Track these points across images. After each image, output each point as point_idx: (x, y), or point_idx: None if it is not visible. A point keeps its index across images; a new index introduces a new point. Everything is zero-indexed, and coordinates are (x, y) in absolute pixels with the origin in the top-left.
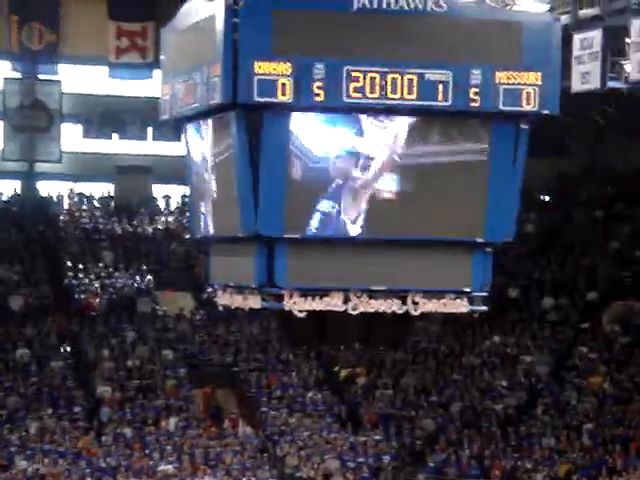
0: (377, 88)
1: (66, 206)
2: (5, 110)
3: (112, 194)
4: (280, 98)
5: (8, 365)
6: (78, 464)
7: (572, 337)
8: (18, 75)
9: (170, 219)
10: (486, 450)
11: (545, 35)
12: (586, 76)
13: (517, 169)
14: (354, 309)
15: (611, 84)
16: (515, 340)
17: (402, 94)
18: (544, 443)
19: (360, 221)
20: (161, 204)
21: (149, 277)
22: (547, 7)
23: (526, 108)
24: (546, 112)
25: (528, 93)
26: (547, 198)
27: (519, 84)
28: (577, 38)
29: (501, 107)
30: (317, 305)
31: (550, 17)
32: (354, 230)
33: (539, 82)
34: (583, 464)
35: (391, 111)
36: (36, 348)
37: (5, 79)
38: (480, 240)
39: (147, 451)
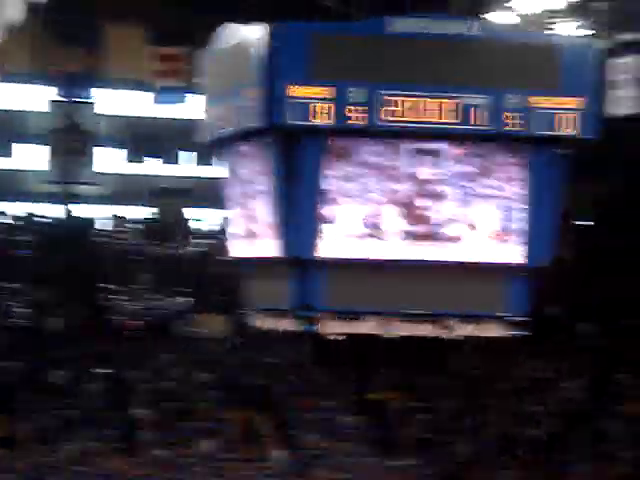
0: (412, 112)
1: (104, 228)
2: (48, 133)
3: (150, 216)
4: (315, 121)
5: (44, 387)
6: None
7: (610, 363)
8: (60, 98)
9: (207, 241)
10: (522, 476)
11: (583, 60)
12: (622, 101)
13: (555, 194)
14: (388, 333)
15: None
16: (552, 365)
17: (437, 118)
18: (579, 470)
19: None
20: (199, 226)
21: (185, 299)
22: (585, 32)
23: (564, 133)
24: (584, 137)
25: (566, 118)
26: (585, 222)
27: (557, 109)
28: (614, 63)
29: (538, 132)
30: (351, 328)
31: (588, 42)
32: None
33: (577, 107)
34: None
35: (426, 135)
36: (72, 370)
37: (49, 102)
38: (517, 264)
39: (182, 473)
